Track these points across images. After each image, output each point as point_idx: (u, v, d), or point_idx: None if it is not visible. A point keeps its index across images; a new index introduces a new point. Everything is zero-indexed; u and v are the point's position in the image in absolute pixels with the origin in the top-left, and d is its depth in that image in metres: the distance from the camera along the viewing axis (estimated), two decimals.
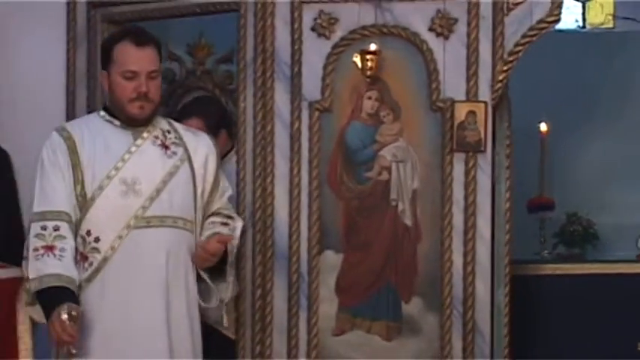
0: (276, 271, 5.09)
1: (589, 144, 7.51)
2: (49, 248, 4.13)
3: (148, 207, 4.23)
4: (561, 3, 5.05)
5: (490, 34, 5.03)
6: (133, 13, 5.49)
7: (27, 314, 4.43)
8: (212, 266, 4.40)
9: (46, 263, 4.11)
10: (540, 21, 5.02)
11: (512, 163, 5.21)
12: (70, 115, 5.57)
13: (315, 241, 5.12)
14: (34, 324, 4.50)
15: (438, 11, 5.06)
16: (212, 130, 4.95)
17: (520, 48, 5.03)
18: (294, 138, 5.16)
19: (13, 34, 5.68)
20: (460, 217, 5.05)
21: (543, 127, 6.86)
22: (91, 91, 5.57)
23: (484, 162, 5.05)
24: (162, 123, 4.43)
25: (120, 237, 4.19)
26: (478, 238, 5.05)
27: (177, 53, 5.60)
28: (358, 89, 5.14)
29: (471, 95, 5.05)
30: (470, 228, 5.04)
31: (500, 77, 5.04)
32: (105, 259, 4.19)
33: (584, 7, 8.62)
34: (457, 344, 5.04)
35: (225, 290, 4.48)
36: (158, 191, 4.25)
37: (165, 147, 4.34)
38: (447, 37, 5.07)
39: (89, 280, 4.20)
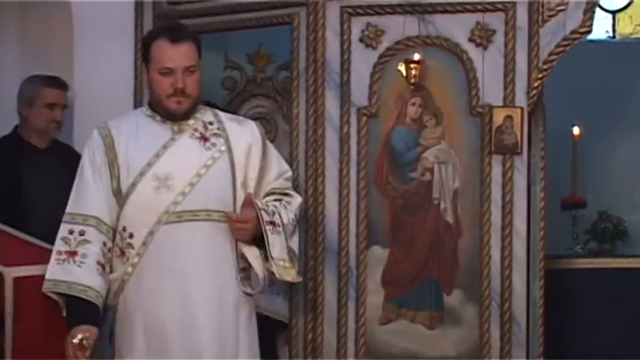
0: (327, 264, 5.08)
1: (619, 147, 7.48)
2: (72, 254, 3.93)
3: (181, 202, 3.95)
4: (593, 15, 5.02)
5: (526, 44, 5.01)
6: (194, 25, 5.48)
7: None
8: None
9: (70, 271, 3.91)
10: (573, 32, 5.00)
11: (546, 164, 5.19)
12: None
13: (362, 237, 5.11)
14: None
15: (478, 23, 5.04)
16: None
17: (554, 57, 5.00)
18: (344, 141, 5.15)
19: (86, 44, 5.71)
20: (498, 214, 5.02)
21: (576, 130, 6.84)
22: None
23: (520, 163, 5.02)
24: (207, 114, 4.15)
25: (151, 233, 3.94)
26: (515, 234, 5.02)
27: (237, 62, 5.59)
28: (403, 96, 5.13)
29: (508, 101, 5.02)
30: (507, 225, 5.02)
31: (536, 84, 5.02)
32: (138, 255, 3.96)
33: (614, 19, 8.59)
34: (495, 333, 5.01)
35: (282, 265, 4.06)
36: (192, 185, 3.97)
37: (205, 139, 4.06)
38: (485, 47, 5.05)
39: (128, 274, 3.99)
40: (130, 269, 3.97)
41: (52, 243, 4.44)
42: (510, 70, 5.02)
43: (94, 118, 5.55)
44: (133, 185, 3.95)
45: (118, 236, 3.98)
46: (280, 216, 4.07)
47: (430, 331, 5.04)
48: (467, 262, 5.06)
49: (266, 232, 3.99)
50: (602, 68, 7.43)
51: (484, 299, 5.02)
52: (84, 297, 3.85)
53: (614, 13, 8.59)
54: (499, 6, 5.03)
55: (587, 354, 5.87)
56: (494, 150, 5.02)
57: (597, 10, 5.13)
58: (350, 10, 5.16)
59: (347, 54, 5.16)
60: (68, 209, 3.99)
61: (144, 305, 3.96)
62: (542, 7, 5.00)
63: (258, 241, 4.03)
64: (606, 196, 7.25)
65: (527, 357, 5.04)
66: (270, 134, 5.15)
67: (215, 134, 4.08)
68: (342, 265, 5.11)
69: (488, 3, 5.04)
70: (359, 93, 5.16)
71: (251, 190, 4.09)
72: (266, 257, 4.03)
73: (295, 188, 4.82)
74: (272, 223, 4.02)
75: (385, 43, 5.15)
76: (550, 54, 5.00)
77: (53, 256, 3.94)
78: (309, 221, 5.11)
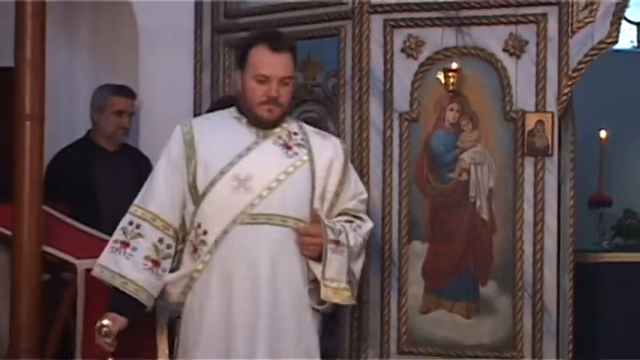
0: (372, 258, 5.05)
1: None
2: (125, 245, 3.68)
3: (257, 204, 3.65)
4: (619, 26, 4.97)
5: (556, 53, 4.97)
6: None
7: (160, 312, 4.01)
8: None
9: (117, 261, 3.67)
10: (600, 42, 4.95)
11: (575, 165, 5.14)
12: None
13: (404, 233, 5.10)
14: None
15: (511, 34, 5.01)
16: None
17: (583, 66, 4.96)
18: (387, 144, 5.14)
19: (150, 58, 5.74)
20: (530, 212, 4.98)
21: (603, 134, 6.81)
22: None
23: (551, 165, 4.98)
24: (292, 125, 3.86)
25: (225, 232, 3.65)
26: (546, 230, 4.98)
27: None
28: (441, 102, 5.11)
29: (540, 107, 4.98)
30: (539, 222, 4.98)
31: (565, 91, 4.98)
32: (209, 253, 3.67)
33: (638, 30, 8.53)
34: (527, 322, 4.97)
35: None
36: (270, 189, 3.66)
37: (288, 147, 3.76)
38: (518, 57, 5.01)
39: (198, 271, 3.70)
40: (200, 266, 3.69)
41: None
42: (542, 78, 4.98)
43: (157, 124, 5.65)
44: (212, 183, 3.68)
45: (192, 232, 3.72)
46: (347, 237, 3.76)
47: (467, 320, 5.02)
48: (501, 255, 5.02)
49: (326, 250, 3.68)
50: (628, 76, 7.40)
51: (517, 290, 4.99)
52: (122, 290, 3.63)
53: (638, 24, 8.53)
54: (531, 18, 4.99)
55: (614, 342, 5.83)
56: (526, 152, 4.98)
57: (623, 22, 5.07)
58: (392, 22, 5.15)
59: (390, 63, 5.14)
60: (135, 200, 3.77)
61: (211, 304, 3.68)
62: (572, 19, 4.96)
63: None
64: (631, 195, 7.22)
65: (557, 344, 5.00)
66: None
67: (298, 144, 3.80)
68: (385, 258, 5.09)
69: (521, 15, 5.00)
70: (401, 99, 5.14)
71: (328, 203, 3.82)
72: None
73: None
74: (336, 242, 3.72)
75: (425, 53, 5.13)
76: (579, 63, 4.95)
77: (110, 242, 3.73)
78: None
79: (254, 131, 3.76)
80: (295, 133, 3.82)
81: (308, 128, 3.90)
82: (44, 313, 4.22)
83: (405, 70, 5.15)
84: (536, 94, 5.00)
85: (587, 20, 4.95)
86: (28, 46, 4.20)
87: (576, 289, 5.10)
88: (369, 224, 3.93)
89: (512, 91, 5.02)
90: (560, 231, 5.02)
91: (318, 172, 3.77)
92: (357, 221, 3.88)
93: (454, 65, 5.02)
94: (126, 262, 3.65)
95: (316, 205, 3.76)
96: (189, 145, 3.72)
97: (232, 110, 3.84)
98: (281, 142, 3.77)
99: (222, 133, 3.76)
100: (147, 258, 3.67)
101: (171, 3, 5.66)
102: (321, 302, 3.76)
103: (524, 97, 5.00)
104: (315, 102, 5.45)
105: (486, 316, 5.03)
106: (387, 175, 5.10)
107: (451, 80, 5.02)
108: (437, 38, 5.09)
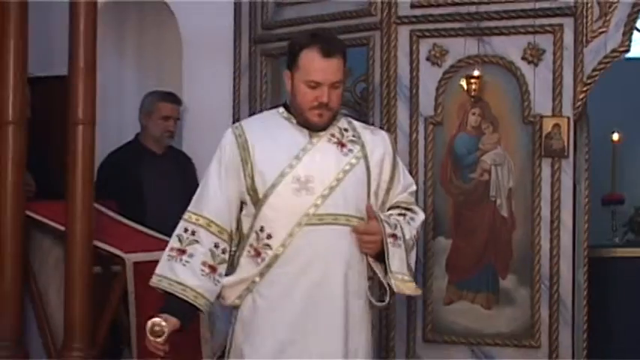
0: None
1: None
2: (181, 252, 3.33)
3: (321, 205, 3.31)
4: (630, 36, 4.93)
5: (572, 62, 4.93)
6: (284, 48, 5.48)
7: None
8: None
9: (173, 268, 3.32)
10: (613, 51, 4.91)
11: (589, 166, 5.11)
12: None
13: (429, 229, 5.08)
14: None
15: (529, 43, 4.98)
16: None
17: (596, 73, 4.92)
18: (413, 146, 5.12)
19: (193, 67, 5.76)
20: (547, 210, 4.95)
21: (615, 136, 6.76)
22: (252, 111, 5.57)
23: (567, 165, 4.95)
24: (341, 121, 3.49)
25: (291, 235, 3.30)
26: (562, 227, 4.94)
27: None
28: (464, 107, 5.08)
29: (556, 111, 4.95)
30: (555, 219, 4.94)
31: (580, 97, 4.94)
32: (276, 256, 3.30)
33: None
34: (544, 313, 4.94)
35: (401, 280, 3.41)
36: (331, 189, 3.33)
37: (342, 145, 3.41)
38: (536, 65, 4.98)
39: (261, 275, 3.33)
40: (265, 270, 3.33)
41: (164, 234, 4.52)
42: (558, 85, 4.95)
43: (199, 128, 5.67)
44: (273, 186, 3.32)
45: (253, 236, 3.36)
46: (402, 230, 3.44)
47: (487, 310, 4.99)
48: (520, 250, 4.99)
49: (387, 245, 3.37)
50: (639, 82, 7.33)
51: (535, 283, 4.95)
52: (180, 296, 3.29)
53: None
54: (548, 28, 4.96)
55: (626, 332, 5.78)
56: (543, 154, 4.95)
57: (634, 32, 5.03)
58: (418, 33, 5.13)
59: (415, 71, 5.13)
60: (189, 207, 3.41)
61: (275, 306, 3.32)
62: (586, 29, 4.92)
63: (380, 254, 3.42)
64: None
65: (573, 334, 4.96)
66: None
67: (351, 141, 3.44)
68: None
69: (539, 26, 4.97)
70: (426, 104, 5.12)
71: (379, 200, 3.48)
72: (385, 271, 3.40)
73: None
74: (393, 235, 3.40)
75: (449, 61, 5.10)
76: (593, 70, 4.92)
77: (166, 252, 3.38)
78: None
79: (306, 132, 3.40)
80: (346, 130, 3.47)
81: (356, 123, 3.54)
82: (95, 302, 4.25)
83: (429, 77, 5.13)
84: (553, 100, 4.96)
85: (600, 30, 4.92)
86: (80, 56, 4.23)
87: (590, 282, 5.06)
88: (421, 216, 3.60)
89: (530, 97, 4.98)
90: (575, 228, 4.98)
91: (372, 168, 3.43)
92: (410, 214, 3.55)
93: (476, 72, 4.99)
94: (183, 269, 3.32)
95: (372, 201, 3.44)
96: (244, 148, 3.37)
97: (281, 110, 3.48)
98: (335, 140, 3.42)
99: (274, 135, 3.42)
100: (204, 264, 3.34)
101: (212, 15, 5.67)
102: (380, 299, 3.47)
103: (541, 102, 4.97)
104: (344, 105, 5.42)
105: (506, 307, 5.00)
106: (414, 176, 5.03)
107: (473, 86, 4.99)
108: (460, 47, 5.07)
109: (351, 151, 3.41)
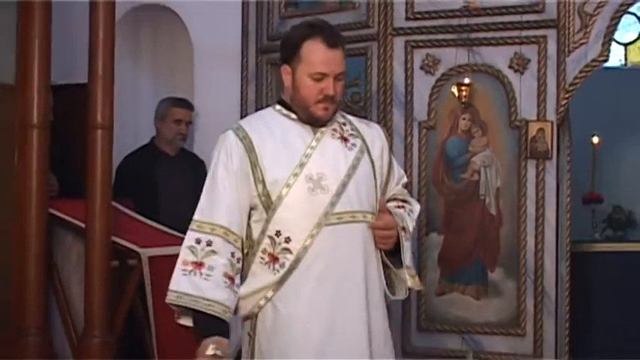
0: None
1: (630, 153, 7.38)
2: (198, 265, 2.88)
3: (336, 203, 2.94)
4: (609, 47, 4.94)
5: (555, 70, 4.93)
6: None
7: None
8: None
9: (196, 284, 2.87)
10: (593, 60, 4.92)
11: (571, 167, 5.11)
12: None
13: (422, 225, 5.07)
14: None
15: (516, 53, 4.98)
16: None
17: (578, 81, 4.93)
18: (407, 149, 5.13)
19: (204, 75, 5.76)
20: (532, 208, 4.95)
21: (595, 140, 6.78)
22: None
23: (550, 167, 4.95)
24: (338, 116, 3.10)
25: (312, 236, 2.90)
26: (546, 224, 4.95)
27: None
28: (455, 112, 5.08)
29: (541, 116, 4.95)
30: (539, 216, 4.95)
31: (563, 103, 4.94)
32: (297, 260, 2.90)
33: (625, 50, 8.50)
34: (529, 303, 4.94)
35: (411, 277, 3.10)
36: (344, 186, 2.96)
37: (344, 139, 3.05)
38: (522, 73, 4.98)
39: (281, 282, 2.91)
40: (286, 275, 2.91)
41: (176, 230, 4.52)
42: (542, 92, 4.95)
43: (210, 132, 5.63)
44: (287, 187, 2.93)
45: (266, 241, 2.94)
46: (407, 223, 3.12)
47: (477, 301, 4.99)
48: (507, 246, 4.99)
49: (401, 239, 3.06)
50: (616, 90, 7.35)
51: (521, 276, 4.96)
52: (210, 312, 2.86)
53: (625, 45, 8.51)
54: (533, 39, 4.96)
55: (605, 320, 5.79)
56: (529, 156, 4.95)
57: (612, 43, 5.03)
58: (412, 43, 5.13)
59: (410, 79, 5.13)
60: (196, 216, 2.96)
61: (300, 308, 2.91)
62: (568, 40, 4.93)
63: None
64: (619, 193, 7.17)
65: (556, 322, 4.96)
66: None
67: (352, 135, 3.08)
68: None
69: (524, 37, 4.97)
70: (420, 110, 5.13)
71: (380, 192, 3.11)
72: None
73: None
74: (403, 229, 3.08)
75: (441, 69, 5.11)
76: (574, 78, 4.92)
77: (178, 266, 2.92)
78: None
79: (309, 127, 3.02)
80: (344, 124, 3.10)
81: (350, 117, 3.18)
82: (113, 293, 4.25)
83: (423, 84, 5.13)
84: (538, 105, 4.97)
85: (581, 41, 4.92)
86: (99, 65, 4.23)
87: (572, 275, 5.07)
88: (417, 207, 3.24)
89: (516, 103, 4.98)
90: (558, 224, 4.99)
91: (375, 161, 3.09)
92: (408, 205, 3.20)
93: (466, 80, 4.99)
94: (206, 284, 2.87)
95: (378, 195, 3.09)
96: (250, 150, 2.96)
97: (277, 107, 3.08)
98: (337, 135, 3.06)
99: (277, 133, 3.01)
100: (225, 275, 2.90)
101: (221, 27, 5.67)
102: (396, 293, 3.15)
103: (527, 108, 4.97)
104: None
105: (494, 298, 5.00)
106: (408, 176, 5.00)
107: (463, 93, 4.99)
108: (451, 57, 5.07)
109: (354, 145, 3.06)
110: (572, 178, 5.10)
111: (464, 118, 5.08)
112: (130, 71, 5.88)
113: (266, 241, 2.94)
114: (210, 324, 2.86)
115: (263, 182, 2.94)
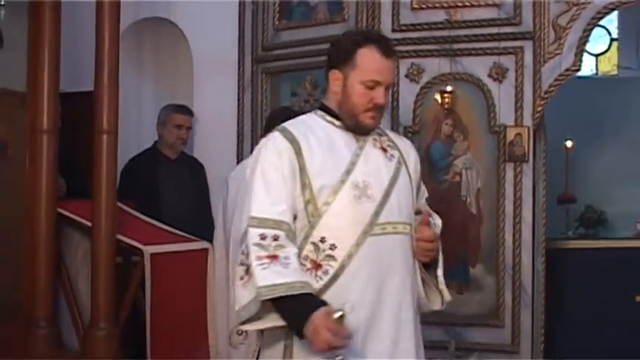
0: None
1: (601, 156, 7.38)
2: (273, 257, 2.64)
3: (380, 212, 2.75)
4: (581, 57, 4.96)
5: (531, 79, 4.94)
6: (281, 66, 5.52)
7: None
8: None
9: (283, 273, 2.62)
10: (567, 69, 4.94)
11: (547, 169, 5.12)
12: (240, 138, 5.62)
13: None
14: None
15: (495, 63, 4.99)
16: None
17: (552, 89, 4.95)
18: None
19: (203, 83, 5.75)
20: (510, 207, 4.96)
21: (569, 144, 6.79)
22: (254, 122, 5.58)
23: (527, 169, 4.96)
24: None
25: (357, 244, 2.71)
26: (523, 222, 4.95)
27: (296, 91, 5.51)
28: (438, 118, 5.09)
29: (518, 122, 4.96)
30: (517, 215, 4.95)
31: (539, 109, 4.95)
32: (342, 267, 2.70)
33: (597, 60, 8.53)
34: (508, 297, 4.95)
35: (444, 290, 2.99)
36: (387, 195, 2.78)
37: (384, 150, 2.86)
38: (501, 81, 4.99)
39: (324, 289, 2.70)
40: (330, 283, 2.71)
41: (177, 229, 4.52)
42: (519, 99, 4.96)
43: (208, 137, 5.66)
44: (334, 194, 2.73)
45: (309, 248, 2.73)
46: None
47: (459, 295, 4.97)
48: (486, 243, 5.00)
49: (439, 252, 2.93)
50: (588, 97, 7.37)
51: (500, 271, 4.96)
52: (309, 291, 2.62)
53: (597, 55, 8.55)
54: (511, 50, 4.97)
55: (578, 312, 5.79)
56: (507, 159, 4.96)
57: (584, 54, 5.05)
58: (398, 53, 5.01)
59: (396, 87, 5.11)
60: (254, 212, 2.71)
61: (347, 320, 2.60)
62: (544, 51, 4.94)
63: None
64: (591, 194, 7.17)
65: (532, 315, 4.96)
66: None
67: (389, 146, 2.89)
68: None
69: (503, 48, 4.98)
70: (405, 115, 5.13)
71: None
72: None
73: None
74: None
75: (425, 78, 5.11)
76: (549, 86, 4.93)
77: (255, 264, 2.64)
78: None
79: (352, 135, 2.83)
80: (381, 134, 2.91)
81: (383, 128, 2.97)
82: (117, 288, 4.24)
83: (408, 92, 5.13)
84: (515, 112, 4.97)
85: (555, 52, 4.94)
86: (105, 74, 4.22)
87: (548, 270, 5.08)
88: (439, 221, 3.06)
89: (495, 109, 4.99)
90: (534, 223, 4.99)
91: (412, 174, 2.91)
92: (431, 220, 2.98)
93: (449, 88, 5.00)
94: (291, 270, 2.64)
95: (415, 207, 2.91)
96: (299, 154, 2.75)
97: (320, 113, 2.88)
98: (378, 144, 2.86)
99: (323, 139, 2.81)
100: (300, 263, 2.70)
101: (219, 38, 5.66)
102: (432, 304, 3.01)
103: (505, 114, 4.98)
104: None
105: (475, 292, 5.00)
106: None
107: (446, 100, 5.00)
108: (434, 66, 5.07)
109: (392, 156, 2.87)
110: (547, 179, 5.11)
111: (446, 124, 5.09)
112: (134, 80, 5.87)
113: (308, 247, 2.73)
114: (310, 301, 2.61)
115: (310, 188, 2.73)
